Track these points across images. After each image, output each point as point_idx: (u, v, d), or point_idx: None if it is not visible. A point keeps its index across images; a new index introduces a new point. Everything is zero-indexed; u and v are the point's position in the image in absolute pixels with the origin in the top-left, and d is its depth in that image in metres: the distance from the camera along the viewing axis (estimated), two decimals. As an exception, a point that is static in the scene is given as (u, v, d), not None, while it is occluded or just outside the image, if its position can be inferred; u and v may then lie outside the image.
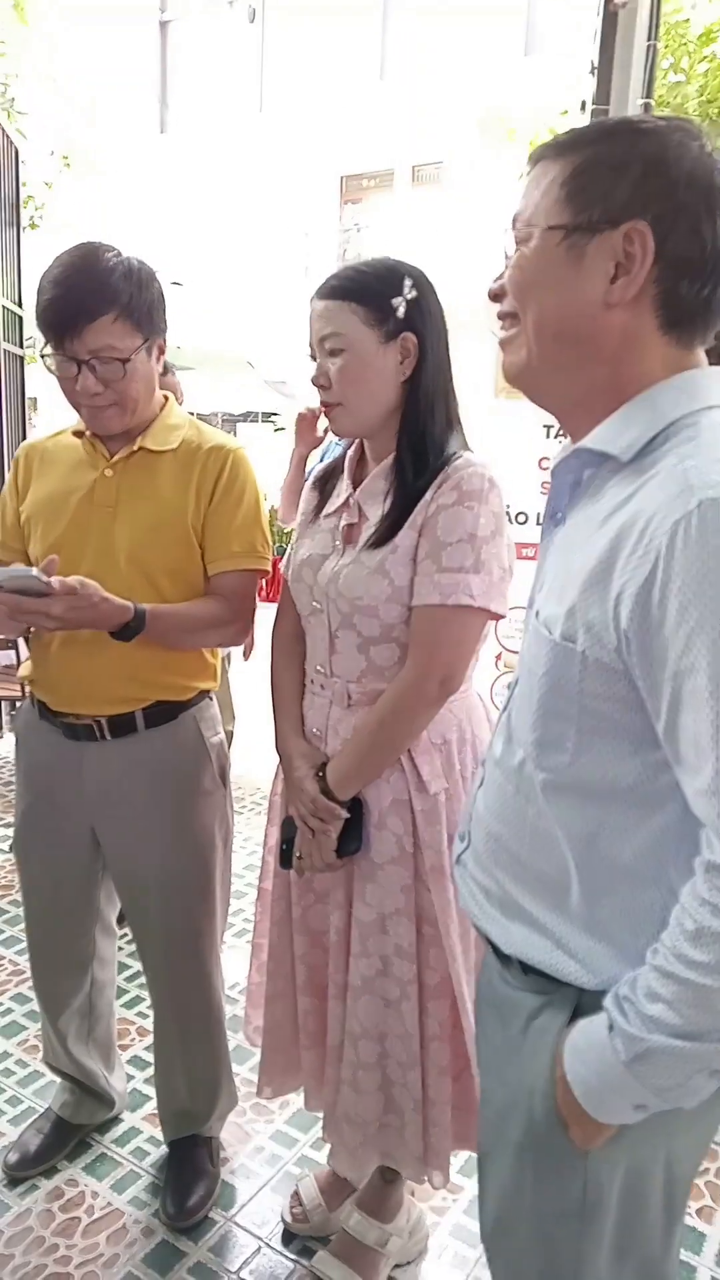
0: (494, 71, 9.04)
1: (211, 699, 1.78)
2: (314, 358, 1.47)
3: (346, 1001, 1.54)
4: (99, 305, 1.48)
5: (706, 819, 0.81)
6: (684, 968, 0.81)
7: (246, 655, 3.12)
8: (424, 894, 1.48)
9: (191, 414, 1.78)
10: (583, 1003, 0.92)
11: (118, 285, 1.49)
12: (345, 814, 1.46)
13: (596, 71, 2.63)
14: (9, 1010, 2.46)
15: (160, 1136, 1.97)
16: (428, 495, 1.39)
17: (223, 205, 15.40)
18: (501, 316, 0.96)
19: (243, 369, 10.94)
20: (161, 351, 1.62)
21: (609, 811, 0.89)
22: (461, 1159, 1.83)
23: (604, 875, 0.91)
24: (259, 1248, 1.78)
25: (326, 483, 1.61)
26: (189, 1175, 1.88)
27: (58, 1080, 2.04)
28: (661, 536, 0.78)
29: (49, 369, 1.57)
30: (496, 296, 0.97)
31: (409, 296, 1.41)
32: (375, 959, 1.50)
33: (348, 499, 1.52)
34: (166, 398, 1.70)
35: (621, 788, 0.88)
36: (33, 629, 1.61)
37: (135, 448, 1.62)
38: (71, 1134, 1.99)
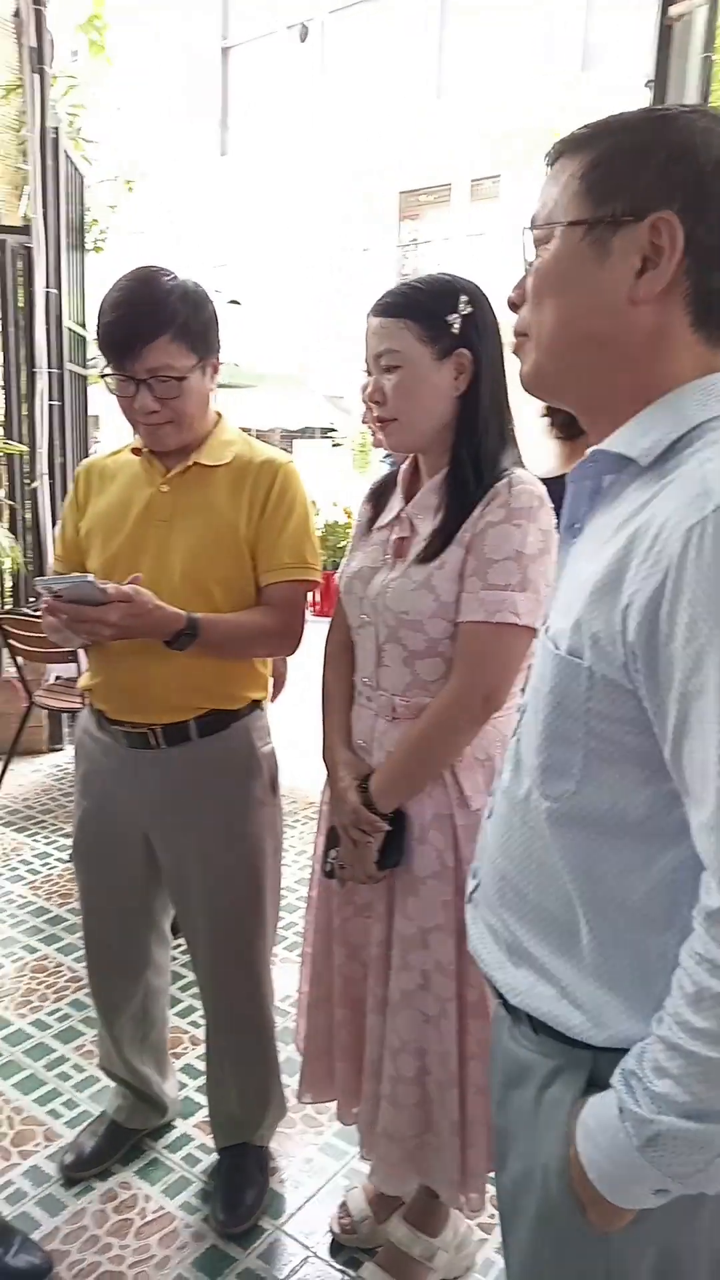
0: (551, 85, 9.04)
1: (263, 709, 1.81)
2: (369, 373, 1.49)
3: (386, 1015, 1.54)
4: (156, 327, 1.52)
5: (707, 858, 0.73)
6: (687, 1038, 0.73)
7: (273, 697, 3.07)
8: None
9: (246, 430, 1.81)
10: (597, 1069, 0.84)
11: (174, 307, 1.54)
12: (386, 826, 1.47)
13: (653, 85, 2.63)
14: (67, 1016, 2.51)
15: (211, 1144, 2.00)
16: (476, 511, 1.40)
17: (281, 225, 15.63)
18: (518, 328, 0.91)
19: (300, 385, 11.05)
20: (215, 370, 1.66)
21: (618, 847, 0.82)
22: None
23: (612, 917, 0.83)
24: (307, 1257, 1.79)
25: (380, 496, 1.63)
26: (239, 1182, 1.90)
27: (113, 1085, 2.07)
28: (674, 544, 0.72)
29: (109, 388, 1.62)
30: (515, 306, 0.92)
31: (464, 312, 1.41)
32: (415, 973, 1.50)
33: (399, 513, 1.53)
34: (219, 414, 1.74)
35: (631, 821, 0.81)
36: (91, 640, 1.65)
37: (190, 463, 1.66)
38: (125, 1138, 2.03)
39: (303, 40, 11.25)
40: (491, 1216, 1.87)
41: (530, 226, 0.89)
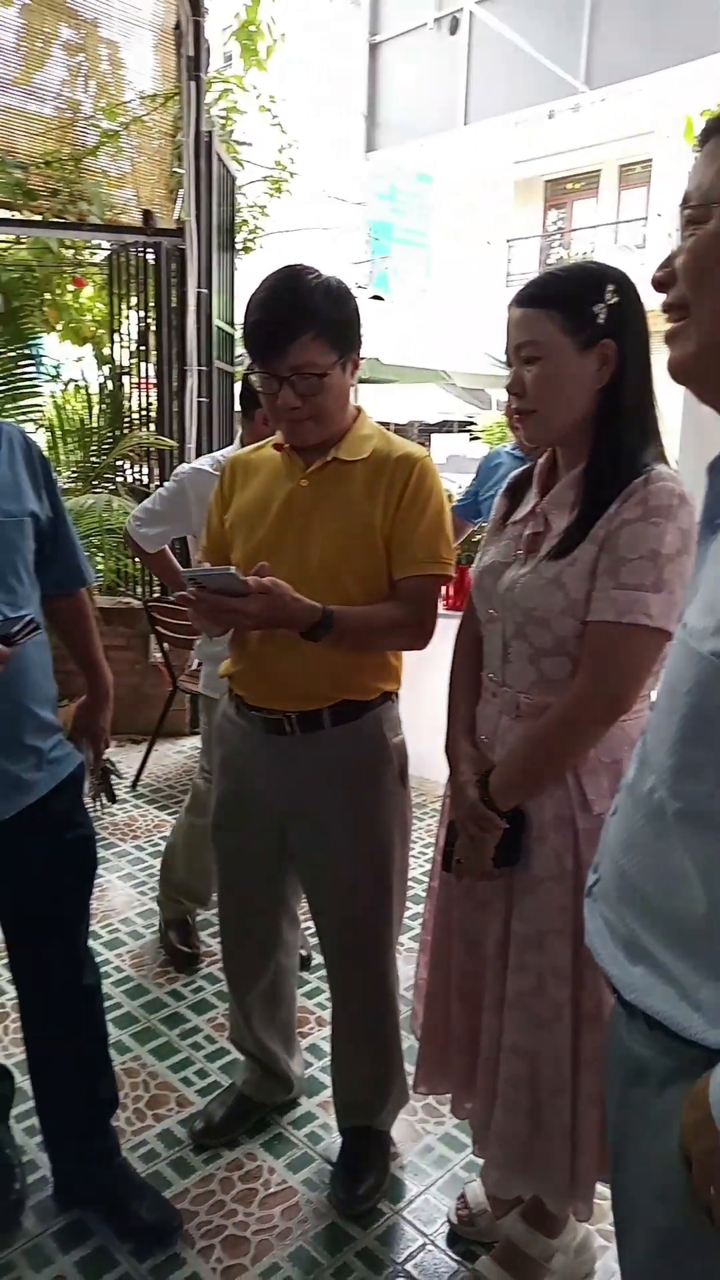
0: (703, 66, 8.66)
1: (394, 701, 1.83)
2: (510, 365, 1.48)
3: (501, 1013, 1.53)
4: (299, 325, 1.56)
5: None
6: None
7: None
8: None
9: (384, 424, 1.83)
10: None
11: (317, 306, 1.57)
12: (504, 825, 1.46)
13: None
14: (200, 988, 2.61)
15: (334, 1124, 2.04)
16: (612, 508, 1.36)
17: (425, 217, 15.61)
18: (668, 308, 0.88)
19: (439, 379, 11.01)
20: (356, 366, 1.69)
21: None
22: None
23: None
24: (424, 1244, 1.81)
25: (517, 490, 1.61)
26: (360, 1164, 1.94)
27: (242, 1059, 2.15)
28: None
29: (254, 385, 1.67)
30: (663, 285, 0.88)
31: (610, 302, 1.37)
32: (531, 975, 1.48)
33: (534, 508, 1.51)
34: (359, 410, 1.76)
35: None
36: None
37: (329, 458, 1.69)
38: (252, 1111, 2.10)
39: (452, 33, 11.16)
40: (612, 1223, 1.83)
41: (684, 206, 0.86)
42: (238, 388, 4.92)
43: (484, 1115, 1.59)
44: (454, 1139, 2.07)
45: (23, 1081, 2.01)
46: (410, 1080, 1.87)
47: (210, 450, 4.59)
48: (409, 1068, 2.00)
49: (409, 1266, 1.76)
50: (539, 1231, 1.69)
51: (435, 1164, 2.01)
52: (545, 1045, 1.48)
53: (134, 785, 4.03)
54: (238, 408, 4.81)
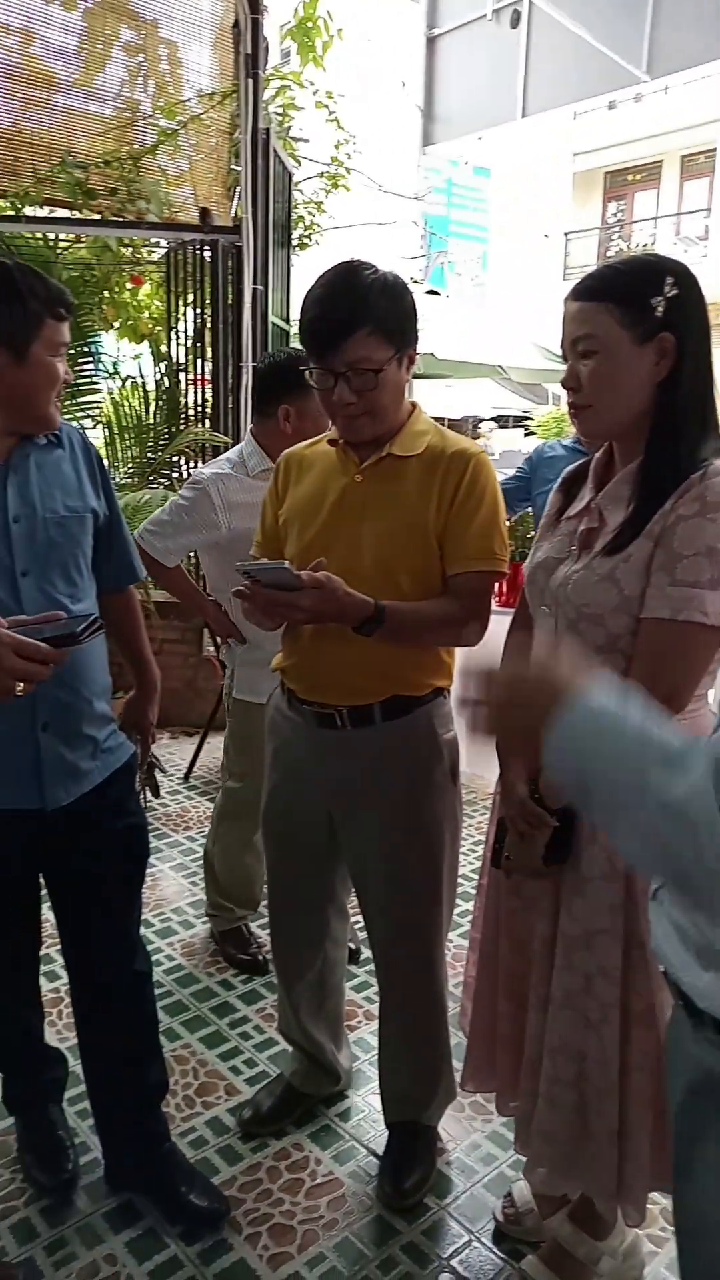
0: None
1: (446, 697, 1.83)
2: (566, 359, 1.46)
3: (547, 1013, 1.52)
4: (355, 321, 1.57)
5: None
6: None
7: None
8: (635, 917, 1.43)
9: (439, 419, 1.83)
10: None
11: (373, 301, 1.57)
12: (553, 823, 1.45)
13: None
14: (250, 979, 2.63)
15: (381, 1118, 2.05)
16: (668, 504, 1.34)
17: (482, 211, 15.50)
18: None
19: (494, 374, 10.93)
20: (411, 361, 1.68)
21: None
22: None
23: None
24: (470, 1240, 1.81)
25: (572, 485, 1.60)
26: (406, 1159, 1.94)
27: (290, 1050, 2.17)
28: None
29: (309, 381, 1.68)
30: None
31: (669, 294, 1.35)
32: (579, 975, 1.47)
33: (589, 503, 1.50)
34: (414, 405, 1.76)
35: None
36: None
37: (383, 454, 1.70)
38: (299, 1102, 2.12)
39: (514, 26, 11.05)
40: (663, 1229, 1.82)
41: None
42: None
43: (528, 1112, 1.59)
44: (501, 1137, 2.07)
45: (75, 1065, 2.05)
46: (458, 1077, 1.87)
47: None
48: (457, 1065, 2.00)
49: (454, 1262, 1.76)
50: (586, 1233, 1.68)
51: (482, 1161, 2.01)
52: (592, 1046, 1.47)
53: (186, 777, 4.08)
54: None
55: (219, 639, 2.85)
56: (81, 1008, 1.85)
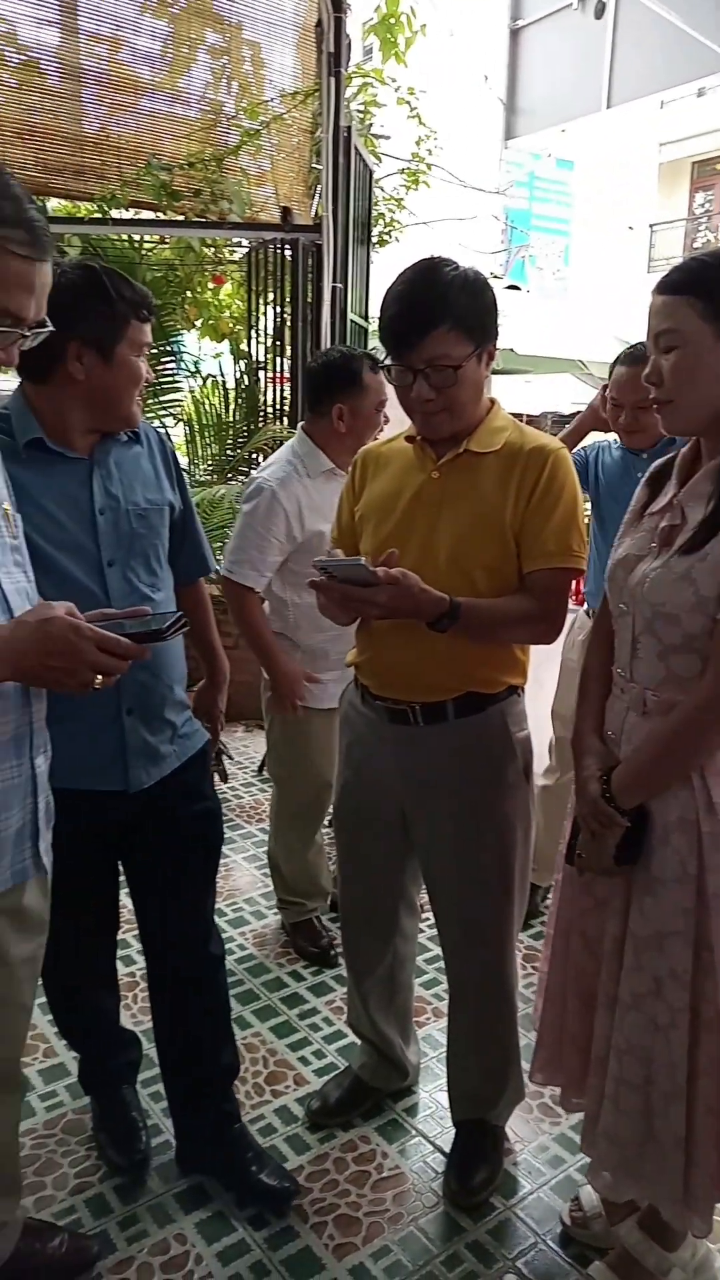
0: None
1: (520, 695, 1.81)
2: (649, 354, 1.44)
3: (615, 1013, 1.50)
4: (435, 318, 1.57)
5: None
6: None
7: None
8: (707, 920, 1.40)
9: (518, 416, 1.82)
10: None
11: (453, 298, 1.57)
12: (625, 823, 1.43)
13: None
14: (320, 971, 2.66)
15: (449, 1115, 2.05)
16: None
17: (564, 204, 15.27)
18: None
19: (575, 369, 10.77)
20: (491, 357, 1.68)
21: None
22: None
23: None
24: (536, 1243, 1.80)
25: (658, 481, 1.57)
26: (473, 1157, 1.94)
27: (359, 1043, 2.18)
28: None
29: (387, 378, 1.69)
30: None
31: None
32: (648, 977, 1.45)
33: (672, 499, 1.47)
34: (493, 401, 1.75)
35: None
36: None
37: (460, 450, 1.69)
38: (368, 1095, 2.13)
39: (598, 16, 10.88)
40: (735, 1243, 1.78)
41: None
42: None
43: (594, 1112, 1.57)
44: (569, 1140, 2.04)
45: (149, 1049, 2.10)
46: (526, 1073, 1.85)
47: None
48: (526, 1065, 1.99)
49: (520, 1264, 1.75)
50: (655, 1242, 1.65)
51: (550, 1163, 1.99)
52: (660, 1050, 1.45)
53: (260, 770, 4.12)
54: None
55: (275, 698, 2.56)
56: (156, 988, 1.90)
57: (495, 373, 1.74)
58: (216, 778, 2.10)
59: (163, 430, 1.86)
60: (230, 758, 4.10)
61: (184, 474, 1.84)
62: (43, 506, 1.56)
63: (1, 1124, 1.56)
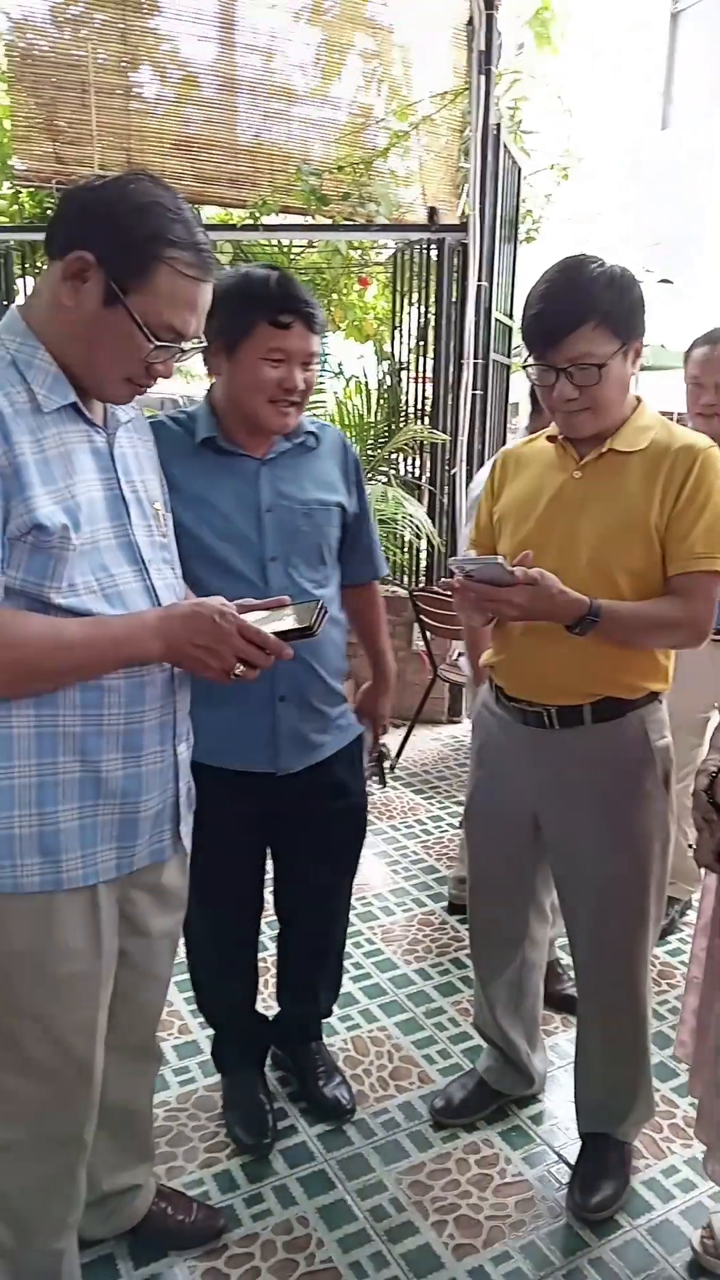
0: None
1: (661, 701, 1.76)
2: None
3: None
4: (579, 316, 1.54)
5: None
6: None
7: None
8: None
9: (666, 414, 1.76)
10: None
11: (599, 295, 1.54)
12: None
13: None
14: (447, 971, 2.66)
15: (574, 1127, 2.01)
16: None
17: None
18: None
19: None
20: (638, 354, 1.63)
21: None
22: None
23: None
24: (663, 1267, 1.74)
25: None
26: (598, 1171, 1.90)
27: (485, 1045, 2.17)
28: None
29: (529, 378, 1.67)
30: None
31: None
32: None
33: None
34: (639, 399, 1.71)
35: None
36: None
37: (604, 450, 1.66)
38: (491, 1099, 2.11)
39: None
40: None
41: None
42: (515, 380, 4.90)
43: (709, 1106, 1.52)
44: (701, 1164, 1.97)
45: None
46: (661, 1099, 1.80)
47: (480, 443, 4.61)
48: (657, 1084, 1.93)
49: (645, 1286, 1.70)
50: None
51: (680, 1186, 1.93)
52: None
53: (392, 768, 4.15)
54: (512, 399, 4.70)
55: None
56: (283, 966, 2.11)
57: (643, 369, 1.69)
58: (374, 780, 2.16)
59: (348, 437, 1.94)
60: (392, 764, 4.14)
61: (364, 479, 1.89)
62: (211, 501, 1.66)
63: (139, 1092, 1.64)
